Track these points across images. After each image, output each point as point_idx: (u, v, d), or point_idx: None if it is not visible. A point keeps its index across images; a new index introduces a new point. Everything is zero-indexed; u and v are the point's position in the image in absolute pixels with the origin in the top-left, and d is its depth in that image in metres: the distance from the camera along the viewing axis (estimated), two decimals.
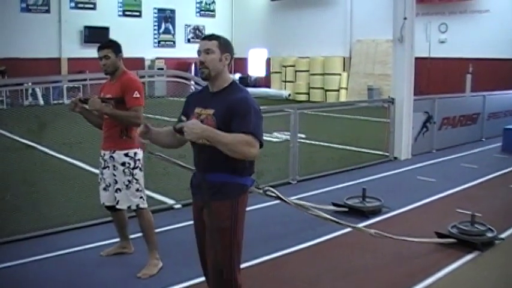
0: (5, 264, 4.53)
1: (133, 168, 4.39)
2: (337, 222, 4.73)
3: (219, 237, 2.94)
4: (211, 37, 3.00)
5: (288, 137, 8.10)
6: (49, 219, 5.55)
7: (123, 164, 4.36)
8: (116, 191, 4.42)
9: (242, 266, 3.13)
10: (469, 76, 16.56)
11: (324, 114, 11.92)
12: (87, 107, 4.32)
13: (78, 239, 5.16)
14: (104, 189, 4.52)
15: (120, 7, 22.57)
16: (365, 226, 5.38)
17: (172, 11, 24.27)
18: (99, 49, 4.42)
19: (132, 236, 4.86)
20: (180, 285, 4.16)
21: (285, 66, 23.05)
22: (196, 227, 3.14)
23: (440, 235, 5.18)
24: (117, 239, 4.89)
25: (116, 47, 4.44)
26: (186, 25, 24.80)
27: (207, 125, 2.85)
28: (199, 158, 2.95)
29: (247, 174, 3.01)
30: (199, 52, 2.97)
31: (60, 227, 5.41)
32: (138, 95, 4.33)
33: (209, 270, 3.03)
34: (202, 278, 3.32)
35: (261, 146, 2.87)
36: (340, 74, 21.39)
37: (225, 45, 2.99)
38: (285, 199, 4.19)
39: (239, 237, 3.02)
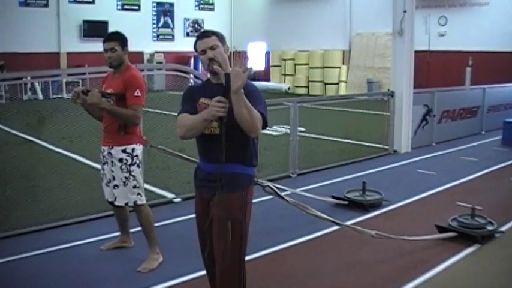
0: (4, 259, 4.53)
1: (131, 164, 4.35)
2: (337, 224, 4.66)
3: (230, 228, 2.92)
4: (209, 33, 3.01)
5: (288, 130, 8.08)
6: (49, 213, 5.54)
7: (120, 160, 4.33)
8: (114, 187, 4.40)
9: None
10: (468, 69, 16.52)
11: (324, 107, 11.90)
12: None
13: (77, 234, 5.16)
14: (106, 184, 4.50)
15: (119, 1, 22.48)
16: (365, 219, 5.37)
17: (171, 5, 24.18)
18: (106, 41, 4.33)
19: (132, 230, 4.85)
20: (180, 279, 4.15)
21: (285, 60, 23.01)
22: (200, 220, 3.11)
23: (440, 228, 5.17)
24: (117, 233, 4.89)
25: (123, 40, 4.37)
26: (185, 19, 24.72)
27: None
28: (211, 148, 2.92)
29: (253, 165, 3.05)
30: (202, 51, 2.95)
31: (59, 222, 5.41)
32: (139, 94, 4.26)
33: (218, 261, 3.00)
34: (203, 272, 3.31)
35: (265, 127, 2.91)
36: (339, 67, 21.36)
37: (222, 38, 3.03)
38: (284, 197, 4.10)
39: (247, 229, 3.04)
